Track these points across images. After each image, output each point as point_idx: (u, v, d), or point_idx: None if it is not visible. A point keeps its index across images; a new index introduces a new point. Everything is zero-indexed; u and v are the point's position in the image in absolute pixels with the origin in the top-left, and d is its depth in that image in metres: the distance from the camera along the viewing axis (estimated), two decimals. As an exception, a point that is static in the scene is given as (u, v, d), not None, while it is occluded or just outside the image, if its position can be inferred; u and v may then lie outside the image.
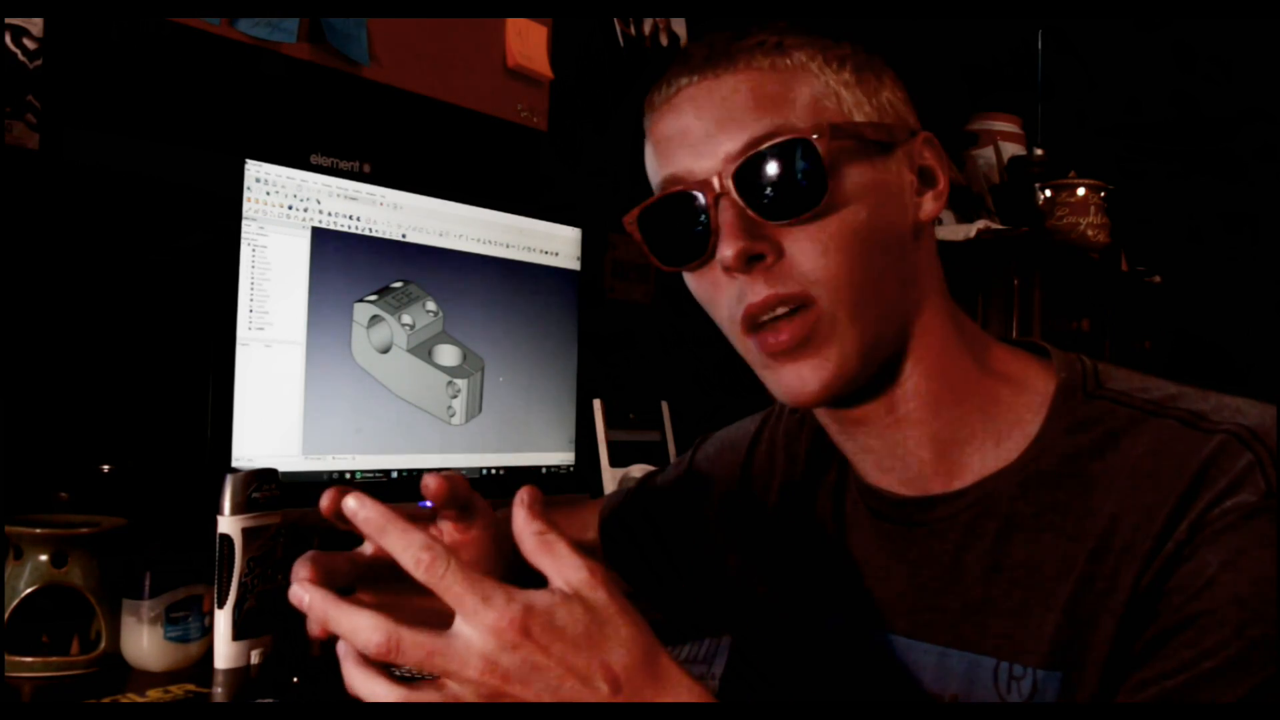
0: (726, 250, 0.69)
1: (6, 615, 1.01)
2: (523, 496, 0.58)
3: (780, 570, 0.89)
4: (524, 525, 0.57)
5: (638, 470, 1.83)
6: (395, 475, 1.45)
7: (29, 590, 1.03)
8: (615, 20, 2.21)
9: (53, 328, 1.33)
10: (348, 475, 1.40)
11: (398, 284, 1.46)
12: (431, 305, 1.49)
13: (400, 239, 1.47)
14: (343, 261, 1.40)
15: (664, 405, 1.97)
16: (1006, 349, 0.79)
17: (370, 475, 1.43)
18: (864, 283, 0.71)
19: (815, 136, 0.69)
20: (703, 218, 0.71)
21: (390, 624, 0.53)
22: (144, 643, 1.05)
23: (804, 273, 0.70)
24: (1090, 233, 2.32)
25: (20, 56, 1.30)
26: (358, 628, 0.54)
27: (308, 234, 1.36)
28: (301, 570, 0.64)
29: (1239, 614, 0.61)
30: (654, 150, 0.76)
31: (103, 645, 1.06)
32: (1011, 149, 2.58)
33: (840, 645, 0.82)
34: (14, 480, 1.09)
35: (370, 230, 1.44)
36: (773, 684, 0.87)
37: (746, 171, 0.70)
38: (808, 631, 0.85)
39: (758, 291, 0.70)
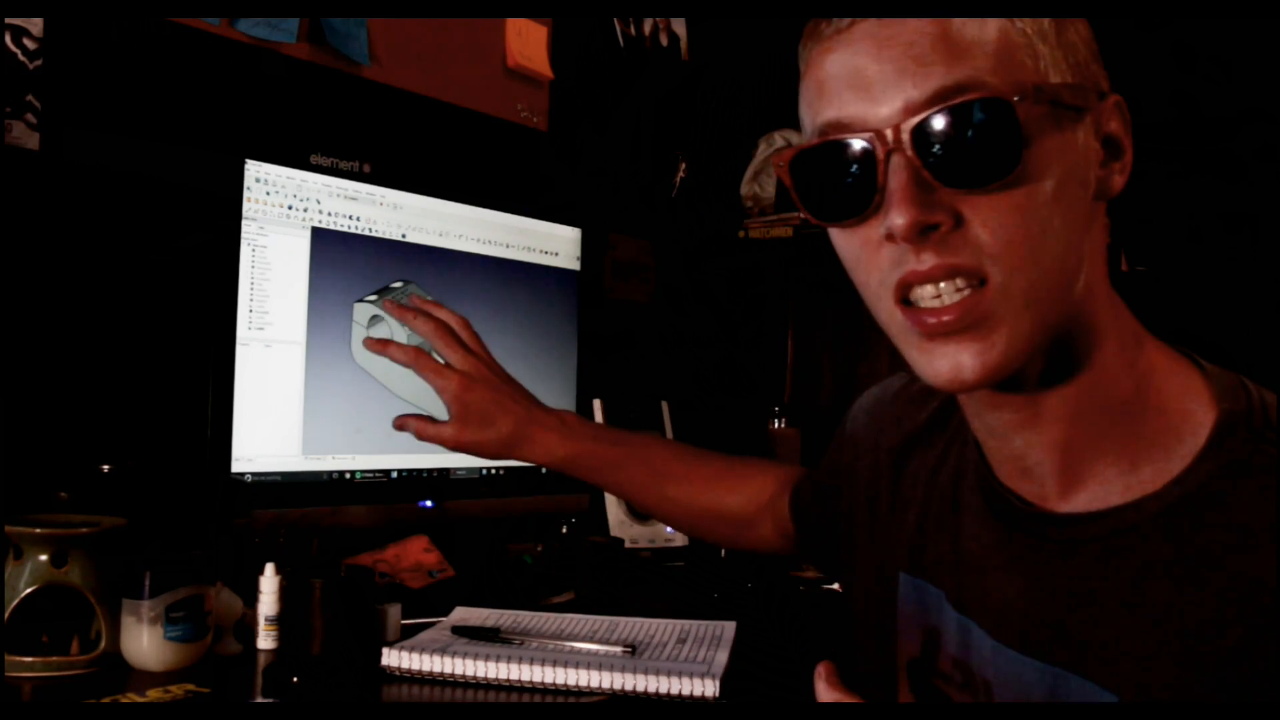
0: (897, 219, 0.61)
1: (6, 615, 1.01)
2: (823, 672, 0.68)
3: (892, 538, 0.85)
4: (827, 696, 0.67)
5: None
6: (395, 475, 1.45)
7: (29, 590, 1.03)
8: (615, 20, 2.22)
9: (53, 328, 1.33)
10: (348, 475, 1.40)
11: (398, 284, 1.46)
12: (431, 305, 1.49)
13: (400, 239, 1.47)
14: (343, 261, 1.40)
15: (664, 405, 1.97)
16: (1163, 352, 0.70)
17: (370, 475, 1.42)
18: (1043, 262, 0.63)
19: (1017, 99, 0.60)
20: (869, 172, 0.63)
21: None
22: (144, 643, 1.05)
23: (981, 244, 0.62)
24: (1090, 233, 2.32)
25: (20, 56, 1.30)
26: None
27: (307, 234, 1.36)
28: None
29: None
30: (814, 88, 0.67)
31: (103, 645, 1.06)
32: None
33: (946, 639, 0.78)
34: (14, 480, 1.09)
35: (370, 230, 1.44)
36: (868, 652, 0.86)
37: (929, 127, 0.61)
38: (892, 608, 0.83)
39: (924, 259, 0.62)
